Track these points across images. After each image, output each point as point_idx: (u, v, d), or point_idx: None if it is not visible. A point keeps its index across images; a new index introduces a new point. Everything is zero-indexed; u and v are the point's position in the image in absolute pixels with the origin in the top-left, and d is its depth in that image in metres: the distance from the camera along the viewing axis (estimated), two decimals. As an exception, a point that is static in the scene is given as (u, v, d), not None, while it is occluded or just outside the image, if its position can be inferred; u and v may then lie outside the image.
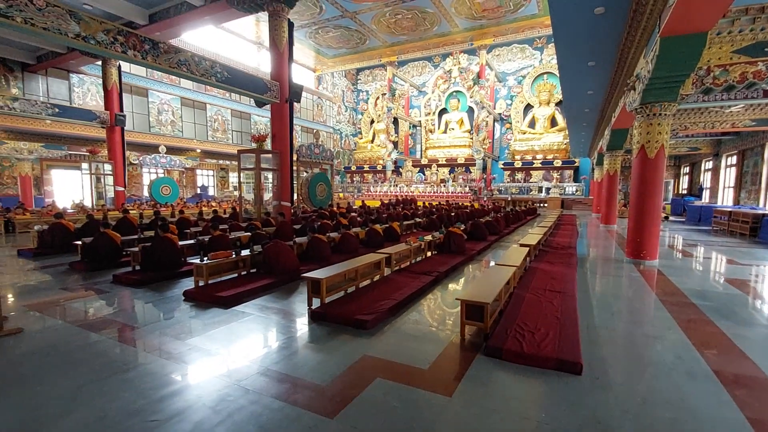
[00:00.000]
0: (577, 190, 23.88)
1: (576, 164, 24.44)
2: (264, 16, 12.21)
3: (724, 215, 12.77)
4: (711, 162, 19.21)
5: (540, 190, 24.57)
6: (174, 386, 2.75)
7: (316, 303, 4.45)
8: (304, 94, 19.17)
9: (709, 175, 19.58)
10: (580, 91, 10.30)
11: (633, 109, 7.11)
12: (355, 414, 2.41)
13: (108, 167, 16.12)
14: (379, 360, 3.17)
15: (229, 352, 3.35)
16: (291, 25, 12.20)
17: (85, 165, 16.92)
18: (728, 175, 17.77)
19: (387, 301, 4.48)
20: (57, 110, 14.37)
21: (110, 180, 16.31)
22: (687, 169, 23.01)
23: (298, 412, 2.42)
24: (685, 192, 22.95)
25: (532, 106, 26.82)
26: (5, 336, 3.65)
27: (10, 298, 5.01)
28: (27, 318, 4.20)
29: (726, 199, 17.80)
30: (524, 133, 26.69)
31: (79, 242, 7.21)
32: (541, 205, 23.89)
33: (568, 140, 22.51)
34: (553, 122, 26.08)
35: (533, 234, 8.13)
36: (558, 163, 24.49)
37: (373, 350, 3.35)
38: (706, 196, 19.75)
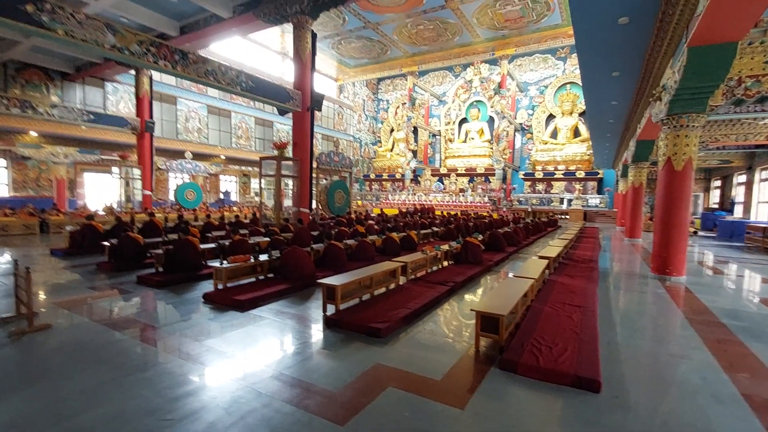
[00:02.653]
0: (600, 202, 23.26)
1: (600, 175, 23.85)
2: (289, 27, 12.54)
3: (758, 231, 12.18)
4: (744, 175, 18.43)
5: (561, 201, 24.05)
6: (190, 386, 2.81)
7: (330, 309, 4.48)
8: (325, 102, 19.54)
9: (741, 189, 18.77)
10: (604, 101, 10.11)
11: (659, 120, 6.93)
12: (365, 422, 2.40)
13: (137, 172, 16.76)
14: (392, 369, 3.15)
15: (245, 355, 3.40)
16: (314, 36, 12.48)
17: (115, 169, 17.67)
18: (762, 190, 16.99)
19: (401, 309, 4.47)
20: (92, 117, 15.10)
21: (139, 184, 16.94)
22: (718, 183, 22.13)
23: (309, 418, 2.43)
24: (716, 206, 22.05)
25: (554, 116, 26.42)
26: (35, 331, 3.81)
27: (42, 295, 5.24)
28: (56, 315, 4.38)
29: (760, 215, 17.01)
30: (546, 144, 26.28)
31: (107, 243, 7.49)
32: (563, 216, 23.39)
33: (591, 151, 22.05)
34: (576, 132, 25.59)
35: (553, 246, 7.97)
36: (581, 174, 23.95)
37: (386, 359, 3.34)
38: (738, 210, 18.93)
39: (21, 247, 9.62)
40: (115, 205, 16.49)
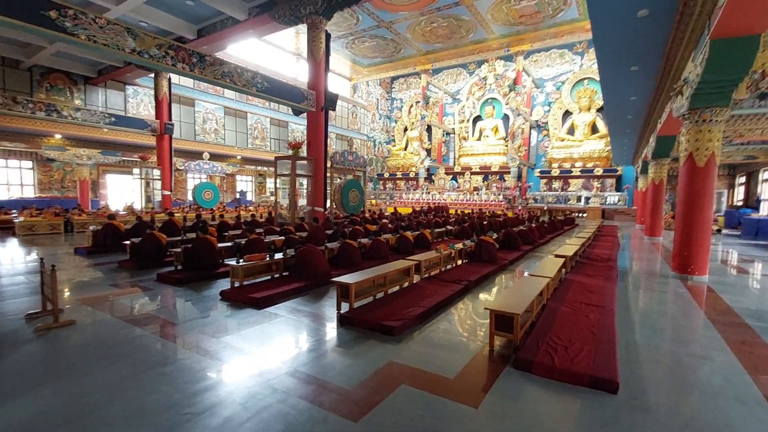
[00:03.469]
0: (619, 200, 22.73)
1: (618, 173, 23.29)
2: (303, 28, 12.65)
3: (787, 229, 11.73)
4: (771, 171, 17.76)
5: (579, 199, 23.60)
6: (207, 382, 2.88)
7: (344, 307, 4.51)
8: (339, 102, 19.63)
9: (767, 185, 18.11)
10: (623, 96, 9.87)
11: (680, 114, 6.73)
12: (378, 419, 2.42)
13: (156, 172, 17.17)
14: (405, 367, 3.16)
15: (260, 351, 3.46)
16: (328, 36, 12.55)
17: (136, 170, 18.13)
18: (792, 186, 16.33)
19: (415, 308, 4.47)
20: (113, 119, 15.53)
21: (158, 184, 17.35)
22: (743, 179, 21.37)
23: (324, 414, 2.46)
24: (740, 203, 21.31)
25: (571, 113, 25.93)
26: (60, 327, 3.96)
27: (66, 292, 5.43)
28: (80, 311, 4.53)
29: (789, 212, 16.35)
30: (562, 140, 25.82)
31: (128, 242, 7.69)
32: (580, 215, 22.95)
33: (609, 147, 21.57)
34: (594, 129, 25.06)
35: (570, 245, 7.84)
36: (599, 171, 23.45)
37: (399, 357, 3.35)
38: (764, 208, 18.24)
39: (47, 245, 9.97)
40: (135, 205, 16.93)
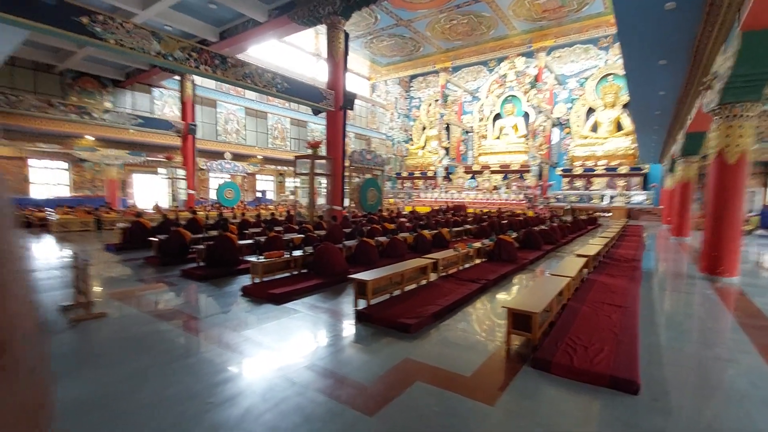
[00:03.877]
0: (646, 199, 21.99)
1: (644, 171, 22.51)
2: (323, 29, 12.79)
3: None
4: (811, 169, 16.85)
5: (602, 198, 22.96)
6: (228, 374, 2.97)
7: (362, 304, 4.56)
8: (358, 101, 19.76)
9: (808, 184, 17.18)
10: (650, 92, 9.56)
11: (710, 110, 6.48)
12: (394, 414, 2.45)
13: (181, 172, 17.69)
14: (421, 364, 3.18)
15: (279, 346, 3.54)
16: (347, 36, 12.64)
17: (161, 170, 18.72)
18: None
19: (431, 306, 4.48)
20: (140, 121, 16.10)
21: (183, 183, 17.87)
22: (780, 177, 20.35)
23: (341, 408, 2.51)
24: (777, 203, 20.29)
25: (595, 110, 25.24)
26: (92, 319, 4.15)
27: (97, 286, 5.67)
28: (110, 305, 4.74)
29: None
30: (586, 138, 25.16)
31: (154, 239, 7.97)
32: (603, 214, 22.34)
33: (635, 145, 20.89)
34: (619, 126, 24.31)
35: (593, 244, 7.66)
36: (624, 169, 22.70)
37: (415, 354, 3.37)
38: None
39: (79, 242, 10.43)
40: (160, 204, 17.49)
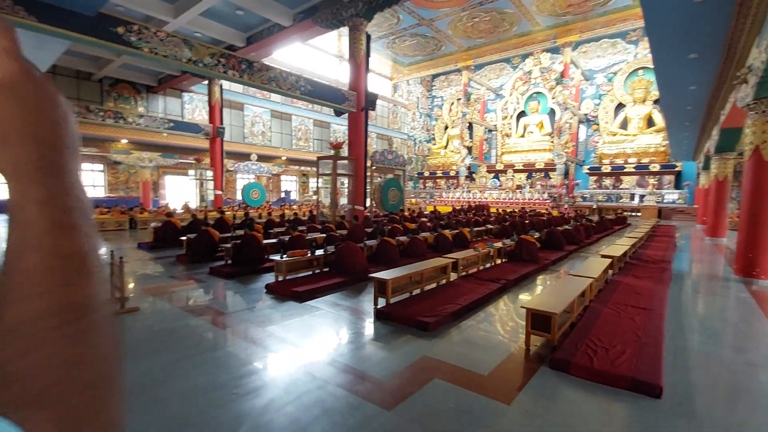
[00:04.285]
0: (679, 198, 21.09)
1: (677, 168, 21.60)
2: (346, 31, 12.97)
3: None
4: None
5: (632, 197, 22.16)
6: (253, 367, 3.11)
7: (381, 303, 4.63)
8: (379, 102, 19.86)
9: None
10: (681, 87, 9.20)
11: (745, 105, 6.21)
12: (411, 409, 2.51)
13: (209, 173, 18.29)
14: (439, 362, 3.22)
15: (302, 341, 3.66)
16: (368, 37, 12.76)
17: (191, 171, 19.41)
18: None
19: (451, 305, 4.50)
20: (172, 124, 16.77)
21: (211, 185, 18.48)
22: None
23: (359, 402, 2.59)
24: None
25: (624, 105, 24.38)
26: (126, 313, 4.41)
27: (131, 283, 5.99)
28: (143, 300, 5.01)
29: None
30: (614, 135, 24.35)
31: (184, 238, 8.31)
32: (633, 214, 21.57)
33: (667, 142, 20.08)
34: (650, 122, 23.40)
35: (619, 245, 7.47)
36: (655, 167, 21.86)
37: (433, 352, 3.42)
38: None
39: (114, 241, 10.98)
40: (190, 204, 18.14)
